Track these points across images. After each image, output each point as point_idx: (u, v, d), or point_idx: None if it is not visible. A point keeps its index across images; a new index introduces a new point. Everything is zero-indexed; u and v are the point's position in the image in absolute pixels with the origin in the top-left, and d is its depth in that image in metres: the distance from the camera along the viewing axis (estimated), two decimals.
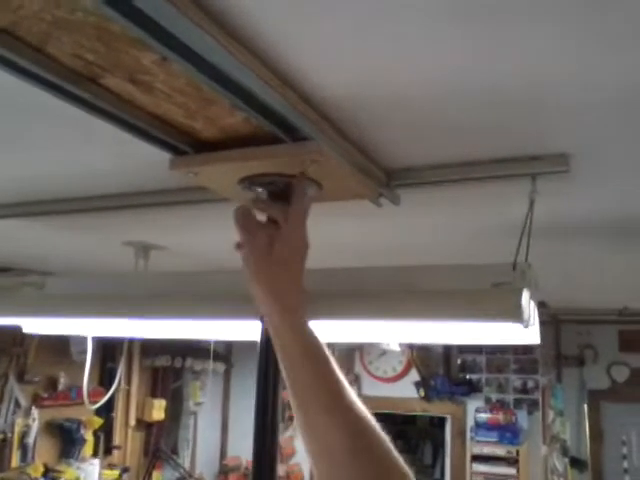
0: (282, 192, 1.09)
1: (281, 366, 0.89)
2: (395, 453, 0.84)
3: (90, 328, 1.86)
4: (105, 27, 0.65)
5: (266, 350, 1.10)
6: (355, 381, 5.09)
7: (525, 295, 1.01)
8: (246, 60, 0.73)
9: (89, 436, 4.39)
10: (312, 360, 0.86)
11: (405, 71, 0.82)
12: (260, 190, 1.11)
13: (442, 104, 0.92)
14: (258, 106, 0.82)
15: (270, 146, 0.96)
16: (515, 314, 0.99)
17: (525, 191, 1.14)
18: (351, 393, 0.86)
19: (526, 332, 1.08)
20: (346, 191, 1.14)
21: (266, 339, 1.09)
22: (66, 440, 4.27)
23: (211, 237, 1.97)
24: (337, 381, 0.85)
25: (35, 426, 4.01)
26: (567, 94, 0.88)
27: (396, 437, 6.91)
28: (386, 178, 1.20)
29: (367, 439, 0.82)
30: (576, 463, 5.10)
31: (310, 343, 0.88)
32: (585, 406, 5.27)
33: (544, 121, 0.98)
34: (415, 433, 6.89)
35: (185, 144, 1.00)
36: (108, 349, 4.45)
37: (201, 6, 0.64)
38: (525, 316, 1.01)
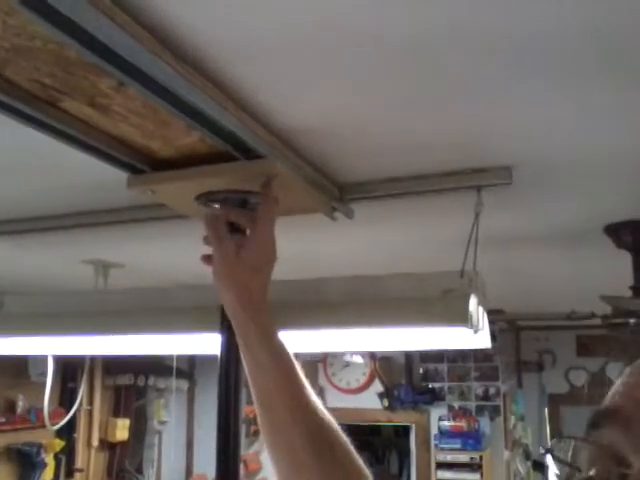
0: (237, 207, 1.13)
1: (246, 369, 0.92)
2: (355, 455, 0.87)
3: (51, 347, 1.85)
4: (62, 53, 0.68)
5: (227, 364, 1.11)
6: (319, 393, 5.10)
7: (473, 301, 1.06)
8: (200, 84, 0.77)
9: (50, 459, 4.29)
10: (278, 363, 0.89)
11: (355, 102, 0.87)
12: (216, 206, 1.14)
13: (391, 124, 0.98)
14: (213, 127, 0.86)
15: (225, 164, 1.00)
16: (463, 319, 1.04)
17: (472, 203, 1.20)
18: (313, 396, 0.89)
19: (477, 337, 1.13)
20: (300, 206, 1.18)
21: (226, 353, 1.11)
22: (26, 465, 4.15)
23: (169, 254, 1.98)
24: (300, 383, 0.88)
25: None
26: (506, 112, 0.94)
27: (362, 448, 6.89)
28: (339, 192, 1.24)
29: (328, 438, 0.86)
30: (538, 466, 5.20)
31: (276, 347, 0.90)
32: (545, 410, 5.39)
33: (488, 136, 1.04)
34: (381, 443, 6.92)
35: (142, 163, 1.03)
36: (68, 369, 4.37)
37: (154, 32, 0.67)
38: (474, 321, 1.06)
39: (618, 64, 0.79)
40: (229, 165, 0.99)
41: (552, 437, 5.29)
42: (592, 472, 0.53)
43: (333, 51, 0.75)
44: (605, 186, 1.33)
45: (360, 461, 0.88)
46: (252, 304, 0.90)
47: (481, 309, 1.13)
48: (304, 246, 1.82)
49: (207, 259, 0.98)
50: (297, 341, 1.27)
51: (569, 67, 0.80)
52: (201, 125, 0.85)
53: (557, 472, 0.63)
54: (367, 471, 0.88)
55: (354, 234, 1.61)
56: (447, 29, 0.70)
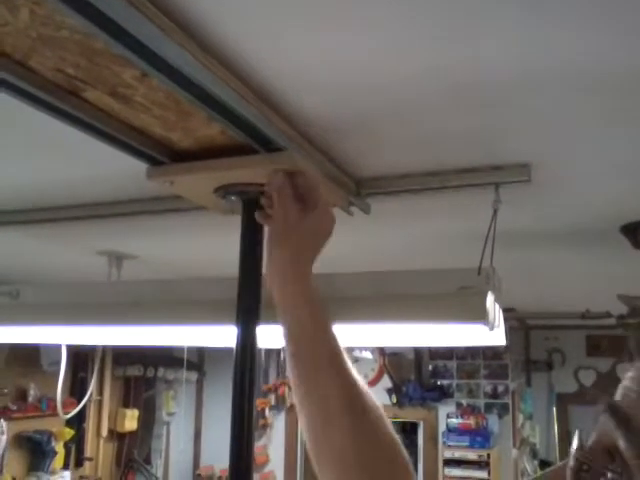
0: (255, 200, 1.13)
1: (284, 328, 0.89)
2: (393, 431, 0.82)
3: (64, 336, 1.86)
4: (89, 44, 0.68)
5: (241, 357, 1.12)
6: None
7: (489, 298, 1.06)
8: (223, 76, 0.77)
9: (60, 448, 4.33)
10: (319, 318, 0.87)
11: (373, 92, 0.87)
12: (234, 199, 1.14)
13: (409, 118, 0.97)
14: (234, 119, 0.86)
15: (245, 156, 1.00)
16: (480, 316, 1.04)
17: (489, 200, 1.19)
18: (349, 363, 0.86)
19: (492, 334, 1.13)
20: None
21: (242, 345, 1.11)
22: (36, 452, 4.20)
23: (183, 247, 1.99)
24: (337, 343, 0.86)
25: (4, 439, 3.95)
26: (531, 108, 0.94)
27: None
28: (356, 187, 1.24)
29: (363, 404, 0.82)
30: (545, 465, 5.20)
31: (318, 306, 0.88)
32: (554, 409, 5.38)
33: (507, 133, 1.03)
34: None
35: (162, 154, 1.04)
36: (79, 359, 4.41)
37: (181, 25, 0.68)
38: (490, 318, 1.06)
39: None
40: (249, 158, 0.99)
41: (560, 436, 5.27)
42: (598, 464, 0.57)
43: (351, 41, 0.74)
44: (623, 186, 1.32)
45: (402, 446, 0.82)
46: (300, 266, 0.90)
47: (497, 306, 1.13)
48: None
49: (264, 216, 0.96)
50: None
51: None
52: (222, 117, 0.85)
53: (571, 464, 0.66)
54: (408, 459, 0.85)
55: (370, 229, 1.60)
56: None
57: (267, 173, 1.01)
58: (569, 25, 0.70)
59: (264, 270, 0.97)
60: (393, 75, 0.83)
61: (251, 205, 1.11)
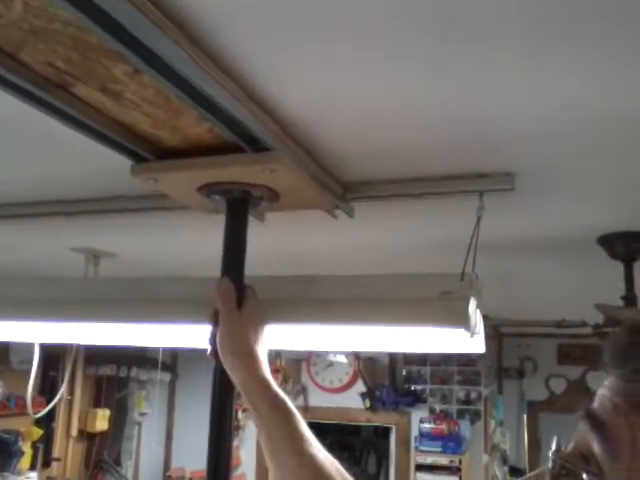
0: (240, 201, 1.12)
1: (253, 420, 1.01)
2: None
3: (36, 334, 1.83)
4: (81, 37, 0.67)
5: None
6: (302, 391, 5.10)
7: (472, 303, 1.07)
8: (214, 73, 0.76)
9: (27, 448, 4.25)
10: (276, 412, 0.96)
11: (362, 97, 0.87)
12: (218, 198, 1.13)
13: (396, 125, 0.98)
14: (223, 116, 0.85)
15: (232, 155, 0.99)
16: (462, 321, 1.04)
17: (473, 207, 1.21)
18: (313, 438, 0.96)
19: (472, 341, 1.14)
20: (303, 201, 1.18)
21: None
22: (2, 453, 4.12)
23: (162, 245, 1.97)
24: (301, 428, 0.96)
25: None
26: (514, 121, 0.95)
27: (341, 448, 6.94)
28: (342, 190, 1.25)
29: (331, 475, 0.92)
30: (515, 472, 5.25)
31: (275, 399, 0.97)
32: (524, 416, 5.43)
33: (491, 142, 1.05)
34: (360, 444, 6.94)
35: (146, 151, 1.03)
36: (50, 358, 4.34)
37: (175, 22, 0.67)
38: (472, 323, 1.06)
39: None
40: (235, 156, 0.99)
41: (530, 443, 5.33)
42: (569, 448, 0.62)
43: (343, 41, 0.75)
44: (602, 197, 1.34)
45: None
46: (253, 361, 1.00)
47: (479, 312, 1.14)
48: (304, 244, 1.82)
49: (211, 340, 1.05)
50: (292, 338, 1.28)
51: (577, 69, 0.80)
52: (211, 114, 0.84)
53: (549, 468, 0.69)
54: None
55: (355, 233, 1.61)
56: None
57: (253, 172, 1.01)
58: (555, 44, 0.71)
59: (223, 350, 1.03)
60: (381, 82, 0.83)
61: (235, 205, 1.12)
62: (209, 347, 1.05)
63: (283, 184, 1.08)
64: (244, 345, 1.01)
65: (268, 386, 0.99)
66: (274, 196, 1.14)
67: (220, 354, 1.02)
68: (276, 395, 0.98)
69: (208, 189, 1.10)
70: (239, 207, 1.13)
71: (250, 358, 1.00)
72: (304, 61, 0.78)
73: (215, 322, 1.04)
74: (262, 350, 1.03)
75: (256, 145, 0.96)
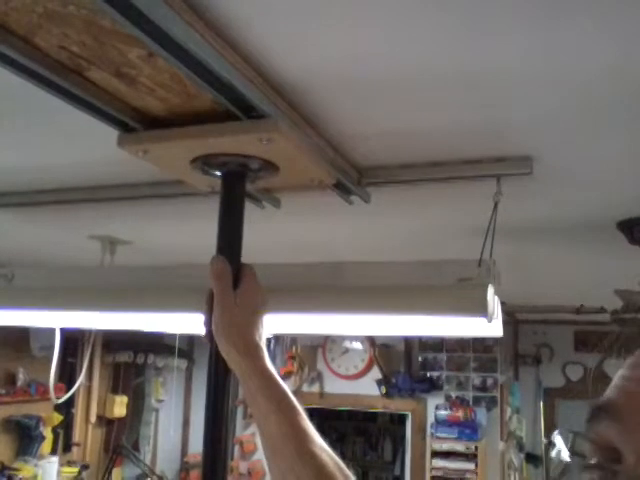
0: (236, 174, 1.04)
1: (253, 415, 0.93)
2: None
3: (58, 320, 1.85)
4: (95, 21, 0.67)
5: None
6: (317, 378, 5.13)
7: (490, 290, 1.06)
8: (205, 33, 0.71)
9: (48, 433, 4.32)
10: (279, 408, 0.89)
11: (366, 66, 0.83)
12: (213, 172, 1.06)
13: (409, 103, 0.96)
14: (215, 81, 0.79)
15: (225, 123, 0.92)
16: (480, 308, 1.03)
17: (490, 192, 1.19)
18: (317, 437, 0.88)
19: (490, 325, 1.13)
20: (302, 174, 1.11)
21: None
22: (24, 437, 4.19)
23: (177, 233, 1.98)
24: (304, 427, 0.88)
25: None
26: (534, 104, 0.93)
27: (357, 434, 6.98)
28: (358, 175, 1.24)
29: (333, 475, 0.84)
30: (531, 458, 5.24)
31: (276, 393, 0.90)
32: (541, 404, 5.41)
33: (510, 125, 1.03)
34: (375, 430, 6.97)
35: (135, 120, 0.95)
36: (69, 344, 4.39)
37: None
38: (489, 310, 1.05)
39: None
40: (229, 125, 0.91)
41: (546, 430, 5.31)
42: (593, 461, 0.54)
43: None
44: (621, 182, 1.32)
45: None
46: (250, 351, 0.92)
47: (496, 298, 1.13)
48: (320, 231, 1.81)
49: (207, 323, 0.98)
50: (311, 324, 1.27)
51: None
52: (202, 79, 0.78)
53: (567, 460, 0.65)
54: None
55: (371, 219, 1.60)
56: None
57: (249, 142, 0.94)
58: (572, 24, 0.70)
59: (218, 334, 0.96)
60: (391, 49, 0.79)
61: (231, 178, 1.05)
62: (205, 330, 0.98)
63: (281, 156, 1.00)
64: (240, 330, 0.93)
65: (269, 378, 0.91)
66: (273, 169, 1.06)
67: (216, 339, 0.95)
68: (278, 389, 0.90)
69: (202, 162, 1.02)
70: (235, 181, 1.05)
71: (247, 345, 0.92)
72: (302, 21, 0.73)
73: (210, 304, 0.97)
74: (261, 336, 0.95)
75: (252, 113, 0.89)
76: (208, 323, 0.97)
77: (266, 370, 0.91)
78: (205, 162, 1.02)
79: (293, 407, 0.89)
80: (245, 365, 0.91)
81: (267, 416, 0.88)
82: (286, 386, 0.92)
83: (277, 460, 0.88)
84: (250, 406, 0.92)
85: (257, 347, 0.93)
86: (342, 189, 1.23)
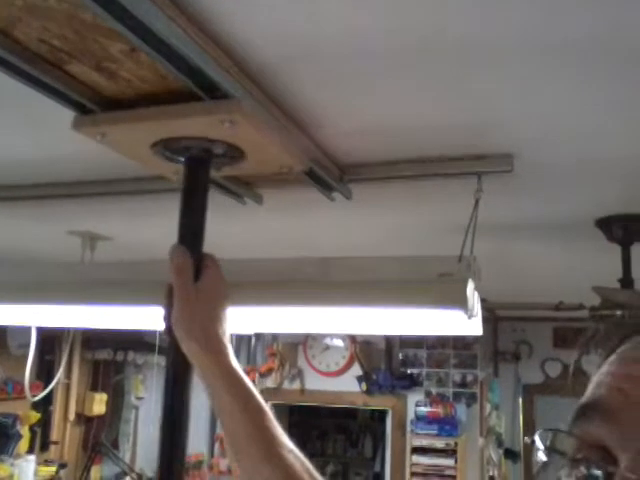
0: (200, 160, 0.99)
1: (217, 416, 0.89)
2: None
3: (35, 317, 1.83)
4: (76, 15, 0.66)
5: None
6: (298, 375, 5.13)
7: (470, 285, 1.07)
8: (165, 7, 0.68)
9: (25, 431, 4.27)
10: (245, 407, 0.85)
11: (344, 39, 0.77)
12: (175, 157, 1.00)
13: (393, 105, 0.97)
14: (174, 57, 0.74)
15: (186, 104, 0.87)
16: (460, 303, 1.04)
17: (471, 189, 1.20)
18: (284, 437, 0.85)
19: (470, 323, 1.14)
20: (271, 161, 1.04)
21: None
22: (0, 436, 4.14)
23: (157, 229, 1.96)
24: (271, 427, 0.84)
25: None
26: (514, 103, 0.94)
27: (338, 431, 6.99)
28: (340, 172, 1.24)
29: (301, 476, 0.82)
30: (510, 454, 5.29)
31: (242, 392, 0.86)
32: (520, 400, 5.47)
33: (491, 123, 1.04)
34: (356, 427, 6.99)
35: (92, 102, 0.90)
36: (47, 342, 4.34)
37: None
38: (469, 305, 1.06)
39: (622, 63, 0.79)
40: (190, 105, 0.86)
41: (525, 426, 5.37)
42: (579, 455, 0.52)
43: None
44: (600, 180, 1.34)
45: None
46: (213, 347, 0.88)
47: (476, 295, 1.14)
48: (303, 227, 1.81)
49: (166, 317, 0.92)
50: (293, 321, 1.28)
51: (570, 63, 0.80)
52: (161, 54, 0.72)
53: (544, 459, 0.63)
54: None
55: (353, 215, 1.60)
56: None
57: (211, 124, 0.88)
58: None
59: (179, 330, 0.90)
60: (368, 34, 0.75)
61: (194, 164, 0.99)
62: (164, 325, 0.93)
63: (247, 140, 0.94)
64: (202, 325, 0.88)
65: (235, 377, 0.86)
66: (239, 155, 1.00)
67: (176, 335, 0.89)
68: (244, 388, 0.86)
69: (163, 146, 0.96)
70: (199, 167, 0.99)
71: (211, 341, 0.87)
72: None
73: (170, 297, 0.91)
74: (224, 332, 0.90)
75: (215, 93, 0.84)
76: (168, 318, 0.91)
77: (231, 368, 0.87)
78: (166, 146, 0.96)
79: (259, 407, 0.85)
80: (209, 362, 0.87)
81: (232, 416, 0.84)
82: (252, 384, 0.88)
83: (242, 461, 0.84)
84: (213, 405, 0.88)
85: (221, 343, 0.88)
86: (324, 185, 1.23)
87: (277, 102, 0.95)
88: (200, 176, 0.99)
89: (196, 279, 0.91)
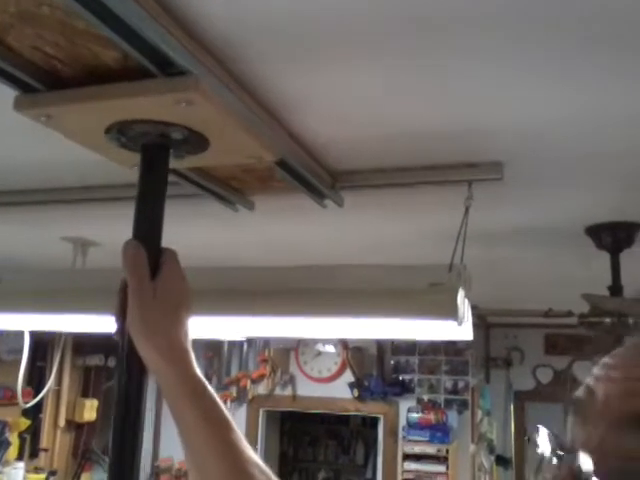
0: (157, 147, 0.90)
1: (177, 428, 0.81)
2: None
3: (27, 323, 1.82)
4: (69, 23, 0.66)
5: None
6: (290, 381, 5.12)
7: (460, 294, 1.07)
8: None
9: (14, 438, 4.24)
10: (208, 421, 0.79)
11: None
12: (131, 143, 0.91)
13: (385, 112, 0.97)
14: (125, 30, 0.67)
15: (138, 82, 0.78)
16: (450, 312, 1.05)
17: (462, 197, 1.21)
18: (249, 451, 0.79)
19: (460, 328, 1.15)
20: (237, 149, 0.95)
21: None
22: None
23: None
24: (235, 442, 0.79)
25: None
26: (504, 113, 0.95)
27: (329, 437, 6.98)
28: (331, 180, 1.24)
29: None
30: (501, 461, 5.30)
31: (206, 403, 0.80)
32: (511, 406, 5.48)
33: (482, 132, 1.05)
34: (348, 433, 6.98)
35: (36, 80, 0.81)
36: (39, 347, 4.32)
37: None
38: (460, 313, 1.07)
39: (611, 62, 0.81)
40: (142, 83, 0.78)
41: (516, 433, 5.38)
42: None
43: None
44: (589, 187, 1.35)
45: None
46: (174, 354, 0.80)
47: (467, 302, 1.15)
48: (294, 234, 1.82)
49: (118, 318, 0.83)
50: (284, 327, 1.28)
51: (563, 67, 0.81)
52: (110, 27, 0.66)
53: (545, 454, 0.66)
54: None
55: (344, 223, 1.61)
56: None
57: (166, 104, 0.79)
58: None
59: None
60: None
61: (151, 151, 0.89)
62: (116, 326, 0.83)
63: (208, 124, 0.85)
64: (162, 329, 0.80)
65: (198, 387, 0.79)
66: (202, 142, 0.91)
67: (133, 339, 0.80)
68: (207, 399, 0.79)
69: (117, 131, 0.87)
70: (156, 154, 0.89)
71: (172, 348, 0.80)
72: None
73: (123, 296, 0.82)
74: (187, 335, 0.82)
75: (171, 70, 0.76)
76: (120, 319, 0.82)
77: (195, 377, 0.80)
78: (121, 132, 0.87)
79: (224, 419, 0.79)
80: (170, 371, 0.79)
81: (194, 429, 0.78)
82: (216, 395, 0.81)
83: (204, 477, 0.79)
84: (174, 416, 0.80)
85: (183, 350, 0.80)
86: (315, 192, 1.23)
87: (242, 83, 0.86)
88: (158, 164, 0.89)
89: (153, 276, 0.82)
